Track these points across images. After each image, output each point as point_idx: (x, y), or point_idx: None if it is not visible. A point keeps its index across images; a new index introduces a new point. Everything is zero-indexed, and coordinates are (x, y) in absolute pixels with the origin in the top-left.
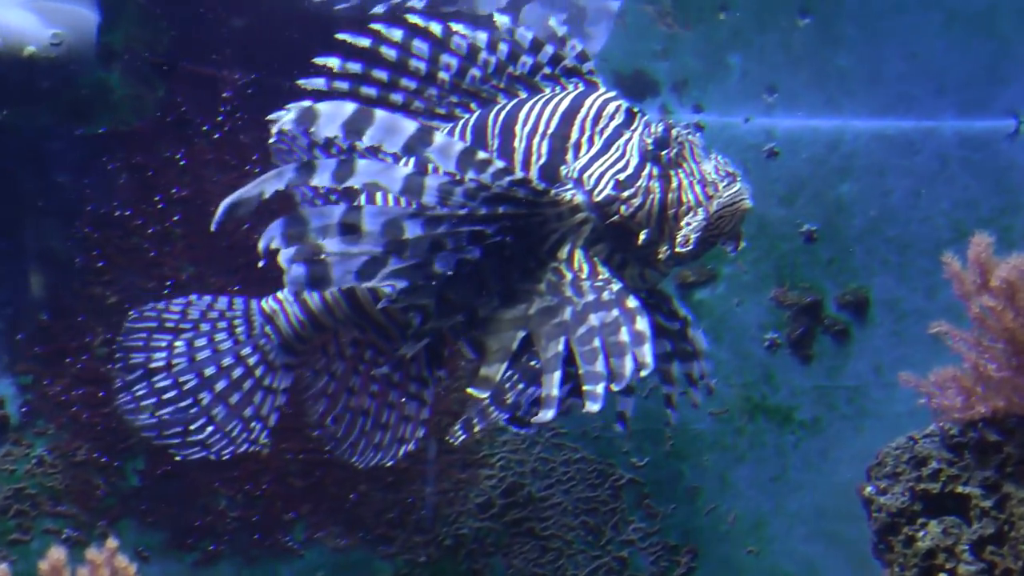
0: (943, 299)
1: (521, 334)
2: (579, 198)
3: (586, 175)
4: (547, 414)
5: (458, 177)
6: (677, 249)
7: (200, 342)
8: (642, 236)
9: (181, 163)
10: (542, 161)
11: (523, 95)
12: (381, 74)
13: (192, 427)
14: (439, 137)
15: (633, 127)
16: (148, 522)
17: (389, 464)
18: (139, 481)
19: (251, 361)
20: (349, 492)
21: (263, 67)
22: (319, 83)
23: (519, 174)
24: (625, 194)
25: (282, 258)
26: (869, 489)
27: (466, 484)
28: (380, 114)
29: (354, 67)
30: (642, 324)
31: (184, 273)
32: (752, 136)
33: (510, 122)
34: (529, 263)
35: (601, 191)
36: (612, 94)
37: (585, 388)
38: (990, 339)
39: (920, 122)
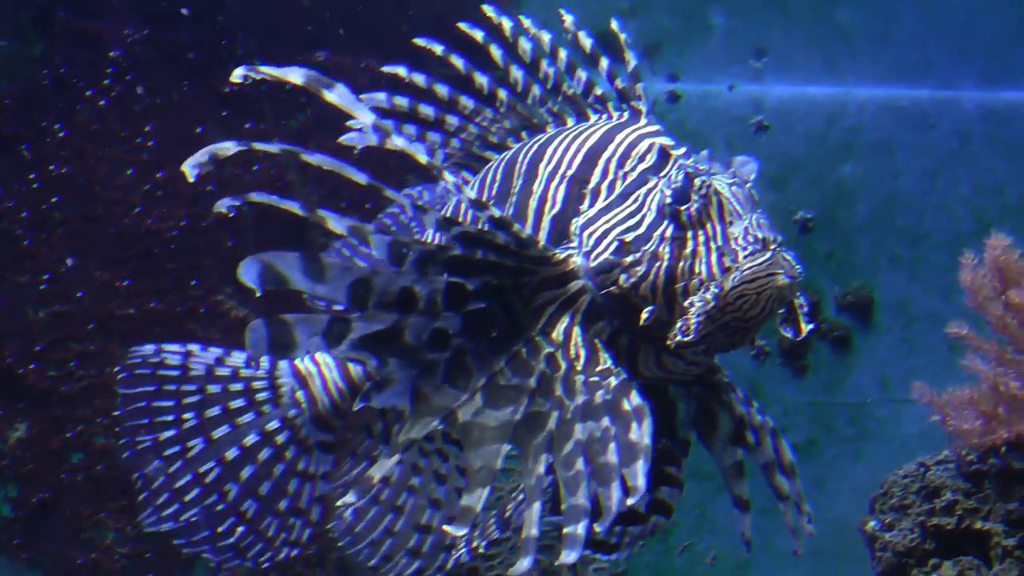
0: (962, 301)
1: (506, 448)
2: (576, 260)
3: (587, 232)
4: (568, 556)
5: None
6: (678, 337)
7: (212, 412)
8: (644, 314)
9: (61, 135)
10: (555, 210)
11: (570, 123)
12: (443, 89)
13: (221, 529)
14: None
15: (664, 172)
16: (22, 559)
17: None
18: (11, 511)
19: (280, 439)
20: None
21: (158, 22)
22: (381, 97)
23: (496, 212)
24: (628, 259)
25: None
26: (872, 524)
27: None
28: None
29: (419, 78)
30: (637, 432)
31: (64, 265)
32: (738, 107)
33: (537, 159)
34: (518, 345)
35: (600, 254)
36: (652, 128)
37: (564, 531)
38: (1014, 351)
39: (937, 92)
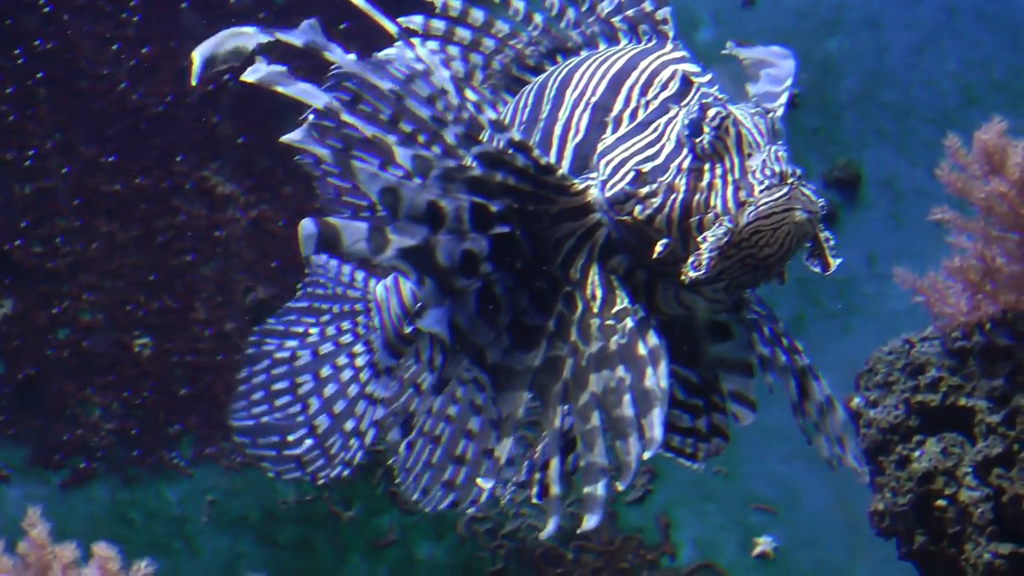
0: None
1: (527, 396)
2: (593, 191)
3: (604, 161)
4: (590, 520)
5: (451, 115)
6: (689, 272)
7: (329, 331)
8: (658, 248)
9: (46, 10)
10: (578, 138)
11: (602, 47)
12: (479, 14)
13: (291, 438)
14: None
15: (685, 101)
16: (8, 435)
17: (471, 511)
18: None
19: (360, 361)
20: None
21: None
22: (417, 20)
23: (516, 135)
24: (643, 190)
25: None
26: (857, 400)
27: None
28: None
29: (455, 3)
30: (652, 379)
31: (50, 141)
32: None
33: (564, 85)
34: (541, 281)
35: (615, 184)
36: (677, 54)
37: (584, 491)
38: (1000, 228)
39: None
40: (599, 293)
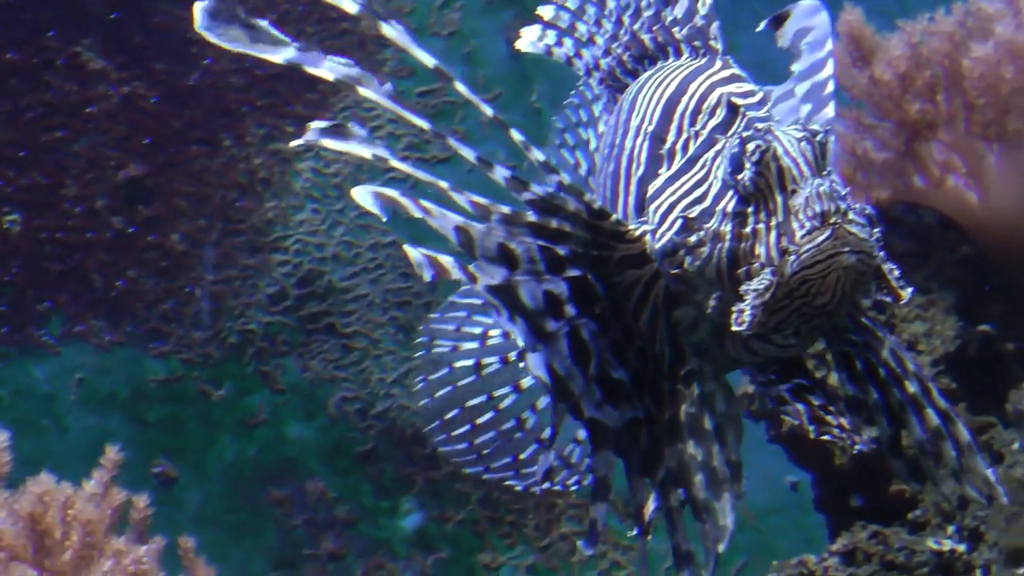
0: None
1: (615, 460)
2: (647, 238)
3: (653, 207)
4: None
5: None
6: (733, 327)
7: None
8: (711, 301)
9: None
10: (640, 172)
11: (669, 60)
12: (592, 9)
13: (523, 456)
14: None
15: (732, 131)
16: None
17: (536, 491)
18: None
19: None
20: (115, 279)
21: None
22: (550, 10)
23: (565, 177)
24: (691, 239)
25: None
26: None
27: (255, 271)
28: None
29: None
30: (719, 457)
31: None
32: None
33: (631, 108)
34: (618, 331)
35: (664, 233)
36: (726, 72)
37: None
38: (873, 117)
39: None
40: (667, 352)
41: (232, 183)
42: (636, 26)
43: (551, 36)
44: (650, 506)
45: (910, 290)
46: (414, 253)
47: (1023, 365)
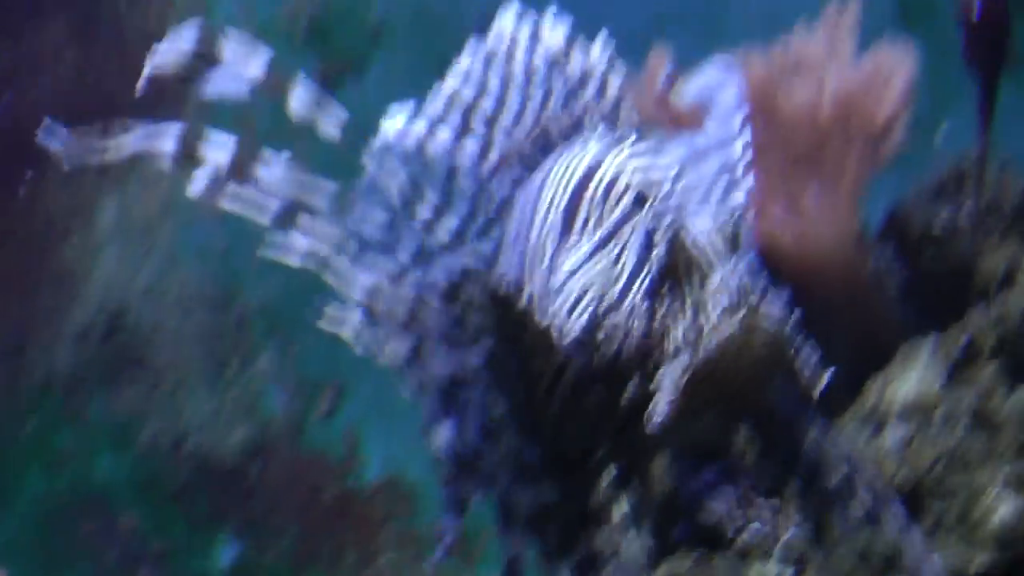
0: None
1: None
2: (556, 325)
3: (566, 289)
4: None
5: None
6: (653, 420)
7: None
8: (627, 392)
9: None
10: (546, 262)
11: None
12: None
13: None
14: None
15: (638, 218)
16: None
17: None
18: None
19: None
20: None
21: None
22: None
23: (467, 258)
24: (603, 325)
25: None
26: None
27: (62, 307)
28: None
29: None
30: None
31: None
32: None
33: (542, 187)
34: (530, 411)
35: (575, 320)
36: (634, 163)
37: None
38: None
39: None
40: (577, 439)
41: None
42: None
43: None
44: None
45: (825, 377)
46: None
47: None
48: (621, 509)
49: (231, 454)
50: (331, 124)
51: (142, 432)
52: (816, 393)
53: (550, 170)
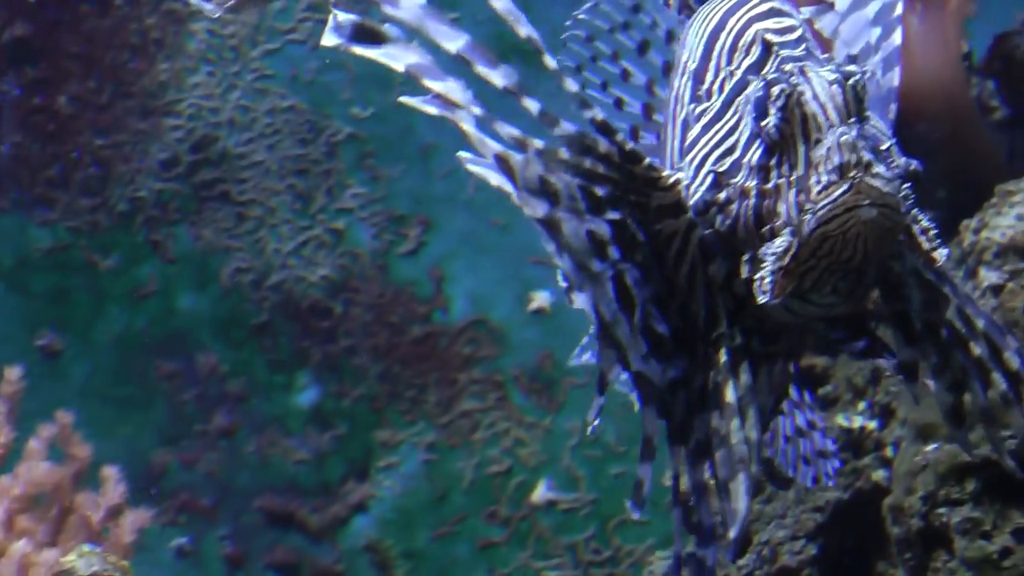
0: None
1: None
2: (682, 189)
3: (688, 159)
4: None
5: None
6: (757, 299)
7: None
8: (743, 267)
9: None
10: (683, 114)
11: None
12: None
13: None
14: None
15: (765, 71)
16: None
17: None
18: None
19: None
20: None
21: None
22: None
23: (598, 114)
24: (721, 196)
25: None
26: None
27: (146, 136)
28: None
29: None
30: (738, 435)
31: None
32: None
33: (681, 43)
34: (659, 282)
35: (696, 189)
36: (766, 5)
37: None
38: None
39: None
40: (701, 312)
41: (123, 44)
42: None
43: None
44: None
45: (944, 251)
46: (474, 168)
47: None
48: (732, 393)
49: (314, 291)
50: None
51: (224, 268)
52: (939, 263)
53: (692, 21)
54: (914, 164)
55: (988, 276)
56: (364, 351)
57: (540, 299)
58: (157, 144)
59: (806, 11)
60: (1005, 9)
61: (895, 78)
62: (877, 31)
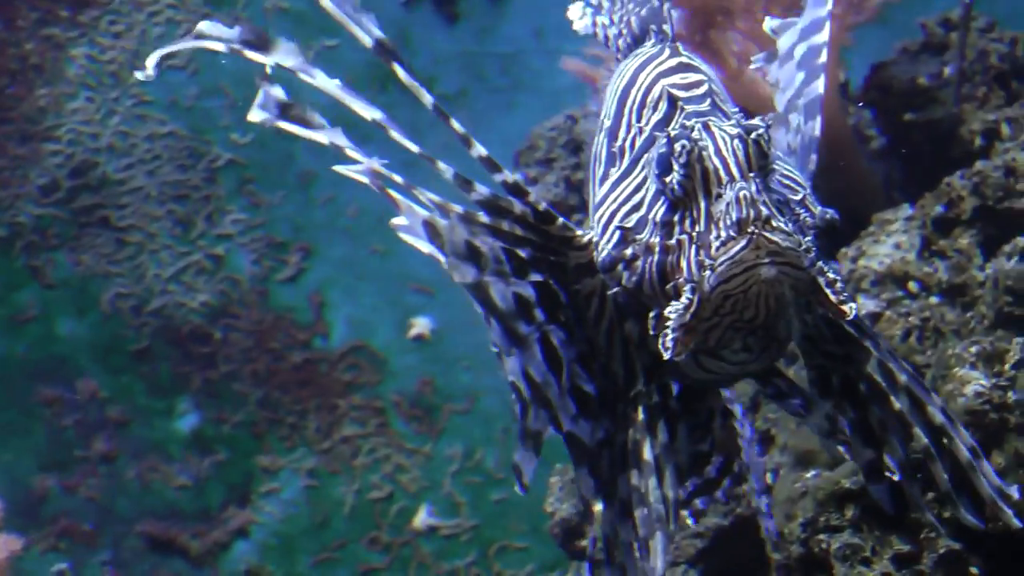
0: None
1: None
2: (592, 247)
3: (597, 216)
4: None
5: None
6: (663, 355)
7: None
8: (649, 322)
9: None
10: (600, 171)
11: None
12: None
13: None
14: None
15: (670, 127)
16: None
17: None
18: None
19: None
20: None
21: None
22: None
23: (508, 176)
24: (627, 252)
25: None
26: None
27: (25, 161)
28: None
29: None
30: (655, 493)
31: None
32: None
33: (599, 102)
34: (581, 342)
35: (604, 247)
36: (672, 61)
37: None
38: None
39: None
40: (619, 368)
41: (1, 69)
42: (631, 6)
43: (589, 14)
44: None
45: (852, 305)
46: (406, 235)
47: None
48: (649, 451)
49: (194, 317)
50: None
51: (104, 293)
52: (847, 317)
53: (611, 79)
54: (830, 213)
55: (866, 304)
56: (244, 377)
57: (420, 325)
58: (36, 169)
59: (756, 59)
60: (881, 39)
61: (817, 127)
62: (801, 75)
